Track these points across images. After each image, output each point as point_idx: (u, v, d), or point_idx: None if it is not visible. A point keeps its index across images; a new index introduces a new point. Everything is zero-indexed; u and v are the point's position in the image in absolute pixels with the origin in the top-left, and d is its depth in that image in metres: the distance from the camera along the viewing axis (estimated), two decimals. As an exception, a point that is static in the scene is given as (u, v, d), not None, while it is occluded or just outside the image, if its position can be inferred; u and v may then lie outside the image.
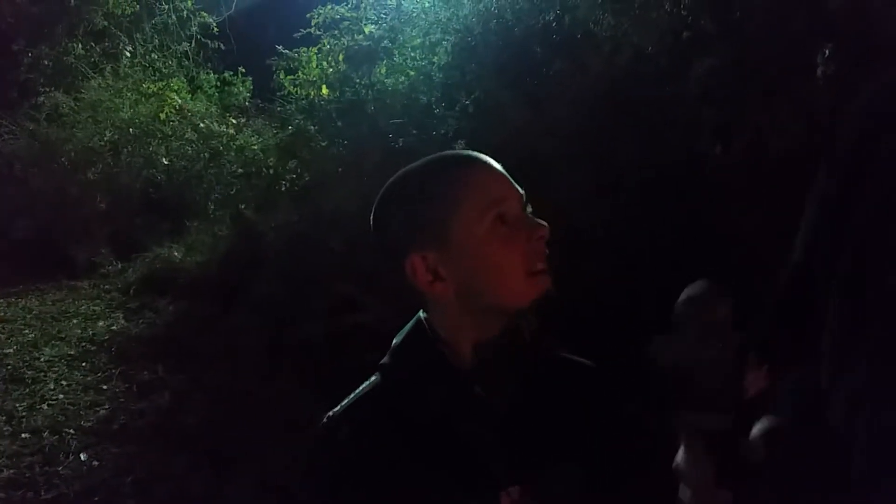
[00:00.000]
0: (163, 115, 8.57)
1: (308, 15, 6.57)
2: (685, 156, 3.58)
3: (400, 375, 0.98)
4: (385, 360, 1.00)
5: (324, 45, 6.51)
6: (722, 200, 3.33)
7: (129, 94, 8.84)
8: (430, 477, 0.92)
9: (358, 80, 6.01)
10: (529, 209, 0.96)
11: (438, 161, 0.99)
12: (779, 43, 3.49)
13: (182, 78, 9.48)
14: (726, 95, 3.59)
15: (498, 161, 0.99)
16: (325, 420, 0.98)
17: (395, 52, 5.92)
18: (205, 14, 9.90)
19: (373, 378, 1.01)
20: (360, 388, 1.00)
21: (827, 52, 3.33)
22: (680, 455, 0.92)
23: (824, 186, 1.22)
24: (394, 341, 1.01)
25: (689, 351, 0.87)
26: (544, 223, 0.94)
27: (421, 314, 1.00)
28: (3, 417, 4.54)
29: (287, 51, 6.86)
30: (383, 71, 5.92)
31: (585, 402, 1.04)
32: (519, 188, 0.96)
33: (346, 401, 0.99)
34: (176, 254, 7.16)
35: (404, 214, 0.96)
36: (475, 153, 0.98)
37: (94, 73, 9.19)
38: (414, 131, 5.26)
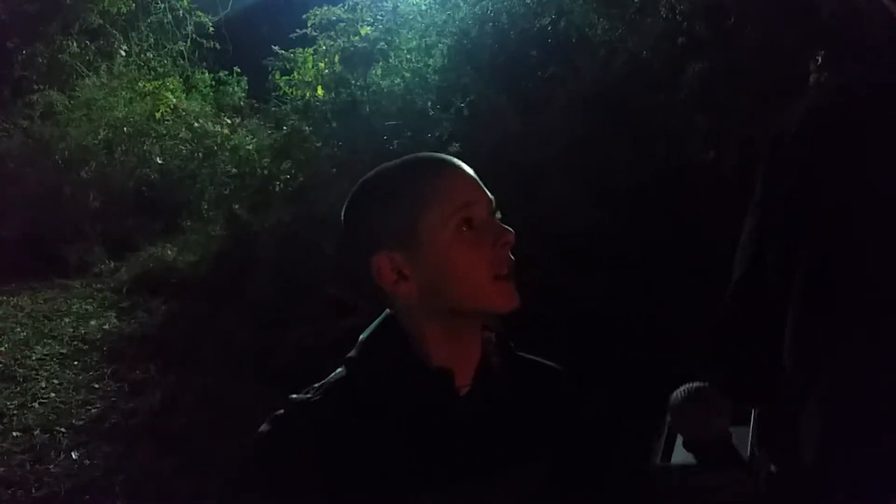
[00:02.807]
0: (157, 115, 8.54)
1: (304, 16, 6.58)
2: (678, 161, 3.60)
3: (367, 369, 0.99)
4: (352, 353, 1.01)
5: (320, 46, 6.52)
6: (714, 207, 3.35)
7: (123, 93, 8.80)
8: (387, 471, 0.92)
9: (353, 82, 6.01)
10: (498, 215, 0.98)
11: (409, 163, 1.00)
12: (772, 50, 3.51)
13: (177, 77, 9.45)
14: (720, 102, 3.61)
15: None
16: (286, 402, 0.98)
17: (391, 53, 5.94)
18: (201, 13, 9.87)
19: (338, 370, 1.01)
20: (326, 379, 1.01)
21: (819, 59, 3.36)
22: None
23: (768, 193, 1.19)
24: (361, 337, 1.02)
25: (693, 472, 0.81)
26: (510, 229, 0.96)
27: (389, 311, 1.02)
28: (-6, 415, 4.54)
29: (283, 51, 6.86)
30: (379, 73, 5.93)
31: (550, 403, 1.06)
32: (488, 193, 0.98)
33: (306, 390, 1.00)
34: (169, 253, 7.14)
35: (373, 214, 0.98)
36: (446, 157, 1.00)
37: (89, 71, 9.16)
38: (408, 133, 5.27)
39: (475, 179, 0.98)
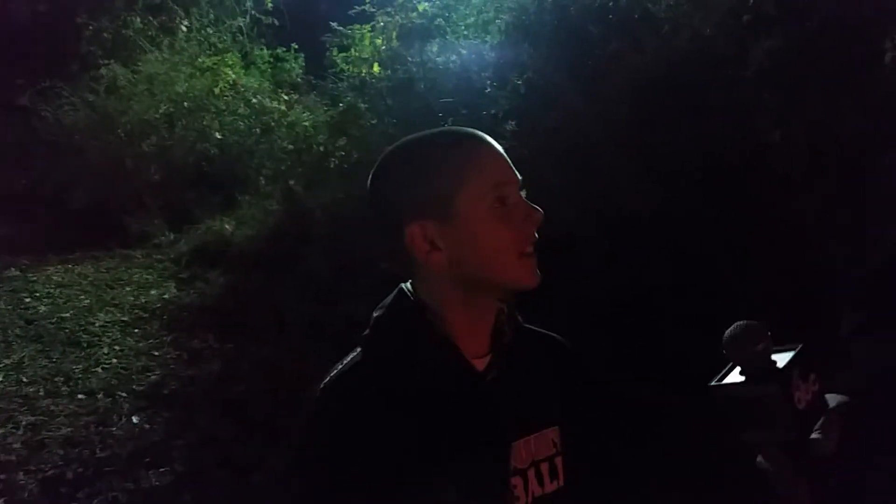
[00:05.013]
0: (217, 90, 8.68)
1: (362, -8, 6.58)
2: (742, 142, 3.50)
3: (387, 346, 1.00)
4: (368, 332, 1.02)
5: (377, 23, 6.52)
6: (780, 188, 3.26)
7: (184, 68, 8.97)
8: (417, 444, 0.94)
9: (410, 59, 6.00)
10: (524, 193, 1.00)
11: (446, 136, 1.03)
12: (844, 27, 3.38)
13: (236, 53, 9.58)
14: (787, 81, 3.50)
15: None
16: (317, 393, 0.98)
17: (448, 30, 5.91)
18: (260, -10, 9.98)
19: (357, 351, 1.02)
20: (345, 361, 1.01)
21: (896, 37, 3.22)
22: (759, 457, 1.07)
23: None
24: (374, 314, 1.03)
25: (739, 387, 1.03)
26: (539, 209, 0.99)
27: (404, 286, 1.03)
28: (61, 378, 4.71)
29: (341, 27, 6.89)
30: (435, 49, 5.91)
31: (558, 369, 1.11)
32: (517, 172, 1.00)
33: (332, 374, 1.00)
34: (227, 227, 7.28)
35: (409, 184, 0.98)
36: (479, 133, 1.01)
37: (152, 46, 9.35)
38: (464, 111, 5.25)
39: (507, 158, 1.00)
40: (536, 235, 0.99)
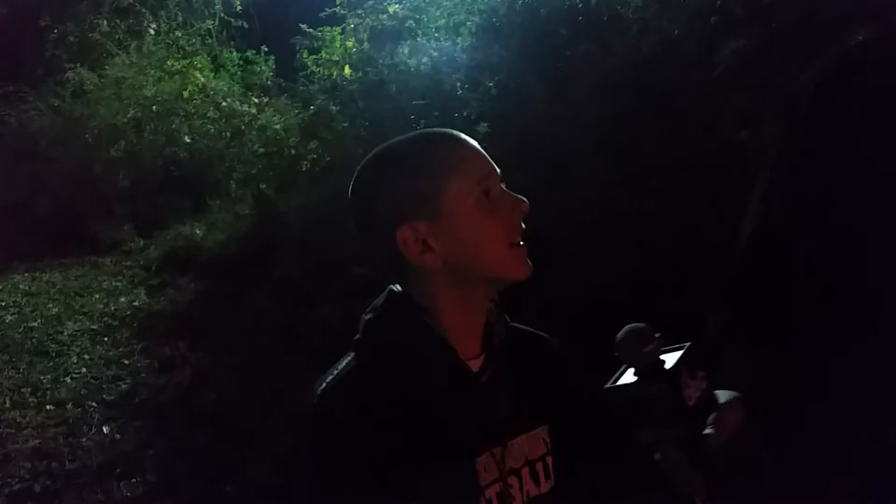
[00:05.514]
0: (186, 94, 8.58)
1: (333, -6, 6.56)
2: (711, 142, 3.54)
3: (382, 350, 0.99)
4: (359, 337, 1.02)
5: (348, 25, 6.50)
6: (747, 187, 3.29)
7: (152, 72, 8.83)
8: (417, 447, 0.94)
9: (381, 61, 5.99)
10: (503, 185, 1.02)
11: (423, 137, 1.05)
12: (810, 28, 3.43)
13: (205, 56, 9.47)
14: (754, 81, 3.54)
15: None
16: (316, 400, 0.97)
17: (419, 32, 5.91)
18: (229, -8, 9.88)
19: (349, 356, 1.01)
20: (339, 367, 1.00)
21: (860, 38, 3.27)
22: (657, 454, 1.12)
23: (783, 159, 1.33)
24: (365, 318, 1.03)
25: (632, 387, 1.10)
26: (524, 199, 1.01)
27: (394, 288, 1.03)
28: (29, 389, 4.62)
29: (311, 30, 6.85)
30: (406, 51, 5.90)
31: (547, 367, 1.12)
32: (496, 165, 1.03)
33: (327, 381, 0.98)
34: (197, 232, 7.19)
35: (396, 187, 0.99)
36: (454, 131, 1.04)
37: (119, 50, 9.20)
38: (436, 113, 5.25)
39: (484, 152, 1.03)
40: (524, 225, 1.01)
